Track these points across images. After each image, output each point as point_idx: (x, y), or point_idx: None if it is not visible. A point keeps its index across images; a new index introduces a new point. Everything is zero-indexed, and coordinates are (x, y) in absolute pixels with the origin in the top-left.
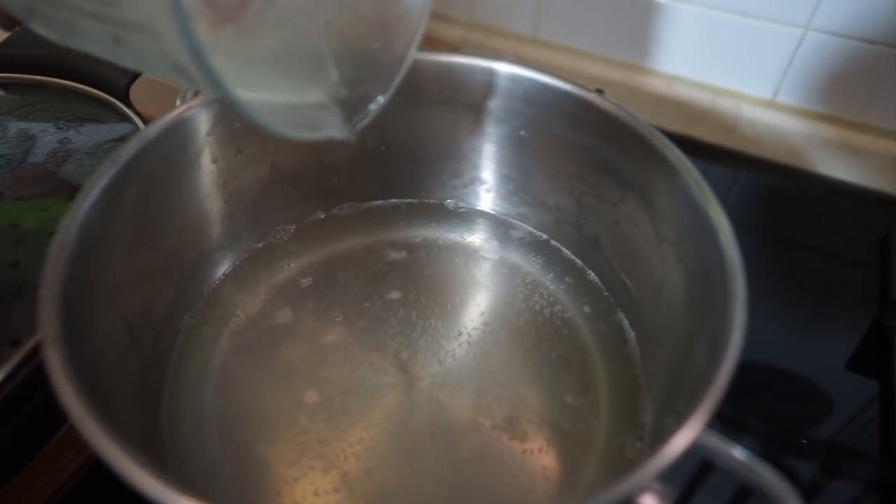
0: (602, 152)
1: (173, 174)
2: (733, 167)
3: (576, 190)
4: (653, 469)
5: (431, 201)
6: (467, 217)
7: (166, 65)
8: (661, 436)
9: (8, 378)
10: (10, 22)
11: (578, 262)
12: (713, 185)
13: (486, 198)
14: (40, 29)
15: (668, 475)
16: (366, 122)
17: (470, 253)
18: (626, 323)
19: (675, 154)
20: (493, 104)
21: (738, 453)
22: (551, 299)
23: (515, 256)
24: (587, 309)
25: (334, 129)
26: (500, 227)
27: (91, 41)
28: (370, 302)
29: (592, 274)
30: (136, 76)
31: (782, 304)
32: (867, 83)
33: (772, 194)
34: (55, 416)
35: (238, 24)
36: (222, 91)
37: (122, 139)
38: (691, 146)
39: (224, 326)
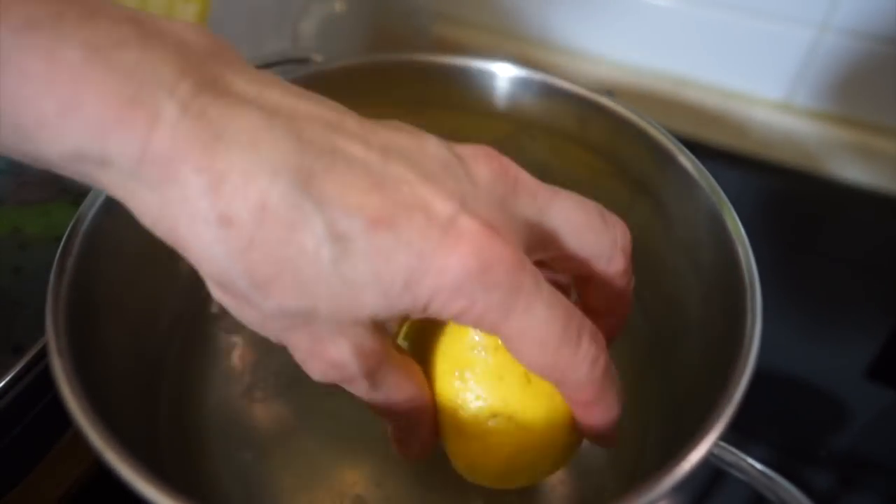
0: (612, 156)
1: None
2: (745, 171)
3: (586, 195)
4: (668, 483)
5: None
6: None
7: None
8: (676, 447)
9: (11, 385)
10: None
11: None
12: (724, 190)
13: None
14: None
15: (681, 486)
16: None
17: None
18: (639, 330)
19: (687, 158)
20: (501, 107)
21: (754, 464)
22: None
23: None
24: None
25: None
26: None
27: None
28: None
29: None
30: None
31: (799, 311)
32: (886, 84)
33: (785, 199)
34: (58, 423)
35: None
36: None
37: None
38: (702, 150)
39: (230, 334)
